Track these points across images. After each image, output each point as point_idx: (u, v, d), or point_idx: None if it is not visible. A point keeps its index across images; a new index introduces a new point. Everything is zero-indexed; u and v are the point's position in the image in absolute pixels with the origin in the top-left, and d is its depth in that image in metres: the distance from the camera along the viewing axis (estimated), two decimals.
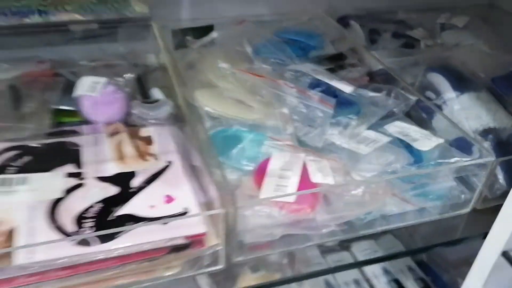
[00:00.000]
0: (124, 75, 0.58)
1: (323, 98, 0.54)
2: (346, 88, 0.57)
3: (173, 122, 0.57)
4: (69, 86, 0.61)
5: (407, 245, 0.86)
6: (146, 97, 0.61)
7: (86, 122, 0.57)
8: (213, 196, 0.44)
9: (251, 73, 0.61)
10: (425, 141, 0.52)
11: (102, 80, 0.56)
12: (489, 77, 0.65)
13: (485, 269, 0.48)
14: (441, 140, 0.52)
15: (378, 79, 0.66)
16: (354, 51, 0.72)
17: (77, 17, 0.68)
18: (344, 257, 0.82)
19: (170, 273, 0.42)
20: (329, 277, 0.80)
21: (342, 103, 0.55)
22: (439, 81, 0.64)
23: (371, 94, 0.58)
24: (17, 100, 0.57)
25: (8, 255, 0.36)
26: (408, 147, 0.52)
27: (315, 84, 0.58)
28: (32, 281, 0.37)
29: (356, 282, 0.79)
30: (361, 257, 0.82)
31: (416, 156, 0.50)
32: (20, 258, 0.36)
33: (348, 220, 0.49)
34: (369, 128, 0.55)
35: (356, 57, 0.71)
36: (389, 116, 0.58)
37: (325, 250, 0.85)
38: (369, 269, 0.80)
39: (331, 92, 0.57)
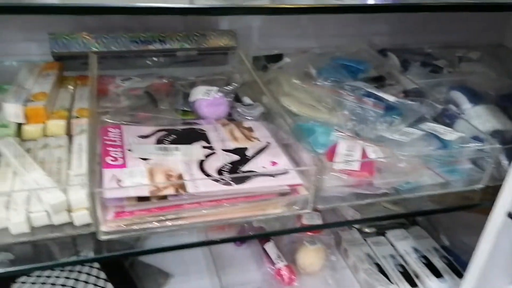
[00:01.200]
0: (228, 86, 0.80)
1: (375, 103, 0.75)
2: (390, 98, 0.79)
3: (262, 119, 0.79)
4: (183, 95, 0.84)
5: (431, 234, 1.04)
6: (240, 102, 0.83)
7: (200, 118, 0.79)
8: (305, 161, 0.64)
9: (318, 87, 0.83)
10: (449, 134, 0.73)
11: (214, 88, 0.79)
12: (497, 95, 0.85)
13: (494, 229, 0.67)
14: (462, 134, 0.73)
15: (412, 95, 0.87)
16: (392, 74, 0.93)
17: (185, 45, 0.91)
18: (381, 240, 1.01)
19: (276, 211, 0.62)
20: (369, 251, 0.98)
21: (388, 108, 0.76)
22: (459, 96, 0.85)
23: (409, 102, 0.79)
24: (153, 101, 0.79)
25: (182, 187, 0.57)
26: (437, 138, 0.72)
27: (367, 95, 0.79)
28: (195, 206, 0.58)
29: (392, 256, 0.97)
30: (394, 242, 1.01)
31: (444, 144, 0.71)
32: (191, 188, 0.57)
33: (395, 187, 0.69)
34: (408, 126, 0.76)
35: (394, 79, 0.92)
36: (422, 120, 0.79)
37: (365, 236, 1.04)
38: (401, 247, 0.98)
39: (379, 100, 0.78)
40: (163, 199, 0.57)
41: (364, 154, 0.69)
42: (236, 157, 0.66)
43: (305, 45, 1.05)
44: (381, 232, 1.03)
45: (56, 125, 0.71)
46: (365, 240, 1.01)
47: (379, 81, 0.90)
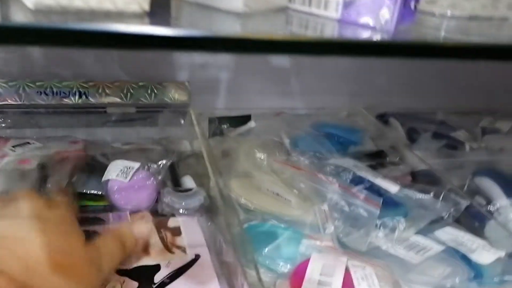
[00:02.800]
0: (159, 162, 0.55)
1: (369, 197, 0.50)
2: (392, 187, 0.53)
3: (204, 213, 0.53)
4: (99, 169, 0.60)
5: None
6: (177, 185, 0.58)
7: (111, 207, 0.54)
8: None
9: (289, 165, 0.59)
10: (483, 252, 0.47)
11: (135, 165, 0.54)
12: None
13: None
14: (501, 253, 0.47)
15: (422, 180, 0.62)
16: (394, 149, 0.69)
17: (117, 100, 0.68)
18: None
19: None
20: None
21: (388, 203, 0.51)
22: (489, 186, 0.60)
23: (419, 195, 0.54)
24: (43, 180, 0.55)
25: None
26: (465, 259, 0.46)
27: (357, 181, 0.54)
28: None
29: None
30: None
31: (476, 270, 0.45)
32: None
33: None
34: (418, 232, 0.50)
35: (397, 155, 0.68)
36: (437, 221, 0.53)
37: None
38: None
39: (375, 191, 0.53)
40: None
41: (347, 282, 0.43)
42: (134, 285, 0.40)
43: (284, 104, 0.81)
44: None
45: None
46: None
47: (377, 158, 0.65)
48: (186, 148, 0.70)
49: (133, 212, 0.52)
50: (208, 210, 0.54)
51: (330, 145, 0.63)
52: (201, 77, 0.76)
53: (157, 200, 0.55)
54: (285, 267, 0.46)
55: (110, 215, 0.51)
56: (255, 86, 0.81)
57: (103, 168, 0.58)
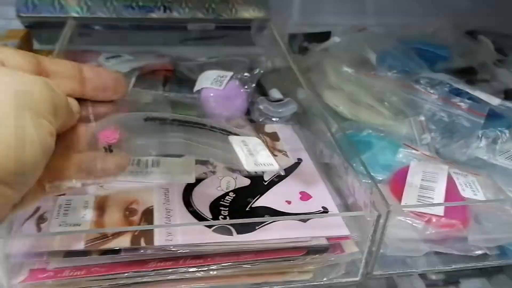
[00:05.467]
0: (250, 71, 0.56)
1: (473, 107, 0.49)
2: (493, 100, 0.52)
3: (294, 122, 0.54)
4: (186, 81, 0.61)
5: None
6: (266, 96, 0.59)
7: (203, 115, 0.55)
8: (357, 196, 0.39)
9: (380, 78, 0.57)
10: None
11: (228, 74, 0.55)
12: None
13: None
14: None
15: None
16: (485, 66, 0.66)
17: (199, 14, 0.68)
18: None
19: (303, 277, 0.38)
20: None
21: (489, 115, 0.50)
22: None
23: None
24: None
25: (148, 235, 0.34)
26: None
27: (455, 93, 0.53)
28: (165, 266, 0.35)
29: None
30: None
31: None
32: (161, 239, 0.34)
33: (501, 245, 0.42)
34: None
35: (488, 73, 0.65)
36: None
37: (430, 283, 0.77)
38: None
39: (476, 102, 0.51)
40: (113, 253, 0.33)
41: (451, 188, 0.43)
42: (246, 182, 0.42)
43: (361, 22, 0.78)
44: (452, 281, 0.76)
45: None
46: None
47: (467, 74, 0.63)
48: (267, 64, 0.70)
49: (229, 119, 0.53)
50: (299, 119, 0.54)
51: (420, 61, 0.61)
52: None
53: (248, 110, 0.56)
54: (383, 174, 0.47)
55: (209, 120, 0.52)
56: (330, 3, 0.78)
57: (190, 81, 0.60)
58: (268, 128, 0.51)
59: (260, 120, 0.53)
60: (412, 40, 0.67)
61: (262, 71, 0.56)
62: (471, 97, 0.52)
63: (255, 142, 0.34)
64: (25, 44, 0.61)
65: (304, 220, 0.37)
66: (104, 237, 0.33)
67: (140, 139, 0.32)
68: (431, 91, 0.52)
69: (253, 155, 0.33)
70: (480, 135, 0.48)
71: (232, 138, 0.34)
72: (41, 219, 0.34)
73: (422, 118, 0.51)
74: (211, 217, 0.37)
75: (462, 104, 0.49)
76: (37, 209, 0.35)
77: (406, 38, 0.68)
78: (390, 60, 0.61)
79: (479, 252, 0.41)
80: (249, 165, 0.32)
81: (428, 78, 0.56)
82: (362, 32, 0.69)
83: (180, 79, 0.62)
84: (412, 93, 0.53)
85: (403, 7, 0.78)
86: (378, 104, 0.54)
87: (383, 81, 0.57)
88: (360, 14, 0.78)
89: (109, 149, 0.32)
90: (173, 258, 0.35)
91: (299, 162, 0.45)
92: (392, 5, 0.80)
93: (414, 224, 0.41)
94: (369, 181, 0.39)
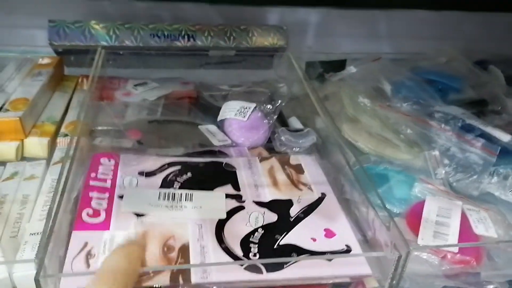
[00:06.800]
0: (272, 102, 0.58)
1: (486, 145, 0.52)
2: (504, 136, 0.54)
3: (315, 152, 0.57)
4: (209, 108, 0.64)
5: None
6: (284, 125, 0.62)
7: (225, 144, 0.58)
8: (378, 234, 0.42)
9: (394, 110, 0.60)
10: None
11: (252, 105, 0.57)
12: None
13: None
14: None
15: None
16: (495, 98, 0.68)
17: (221, 43, 0.71)
18: None
19: None
20: None
21: (501, 151, 0.52)
22: None
23: None
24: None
25: (186, 272, 0.37)
26: None
27: (467, 129, 0.55)
28: None
29: None
30: None
31: None
32: (197, 277, 0.37)
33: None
34: None
35: (499, 104, 0.67)
36: None
37: None
38: None
39: (486, 139, 0.54)
40: None
41: (465, 225, 0.46)
42: (273, 217, 0.45)
43: (374, 48, 0.81)
44: None
45: (36, 145, 0.53)
46: None
47: (478, 106, 0.65)
48: (284, 91, 0.73)
49: (250, 148, 0.56)
50: (318, 148, 0.57)
51: (433, 92, 0.64)
52: (291, 21, 0.77)
53: (270, 139, 0.59)
54: (399, 208, 0.49)
55: (231, 149, 0.55)
56: (344, 29, 0.81)
57: (214, 109, 0.62)
58: (293, 160, 0.53)
59: (282, 150, 0.56)
60: (426, 70, 0.70)
61: (283, 104, 0.59)
62: (483, 133, 0.55)
63: None
64: (57, 70, 0.64)
65: (329, 259, 0.40)
66: (147, 273, 0.36)
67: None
68: (445, 127, 0.55)
69: None
70: (492, 172, 0.51)
71: None
72: (89, 255, 0.37)
73: (437, 152, 0.54)
74: (241, 253, 0.40)
75: (475, 142, 0.52)
76: (85, 244, 0.38)
77: (420, 68, 0.70)
78: (404, 91, 0.64)
79: (491, 286, 0.44)
80: None
81: (442, 112, 0.58)
82: (377, 62, 0.71)
83: (204, 106, 0.65)
84: (427, 128, 0.56)
85: (416, 32, 0.81)
86: (394, 136, 0.57)
87: (398, 114, 0.60)
88: (373, 41, 0.81)
89: (138, 142, 0.51)
90: None
91: (323, 197, 0.48)
92: (405, 30, 0.83)
93: (430, 260, 0.44)
94: (387, 216, 0.42)
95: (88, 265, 0.36)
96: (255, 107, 0.58)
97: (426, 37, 0.77)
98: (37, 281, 0.32)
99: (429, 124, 0.56)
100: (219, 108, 0.61)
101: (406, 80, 0.66)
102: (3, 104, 0.54)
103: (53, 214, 0.37)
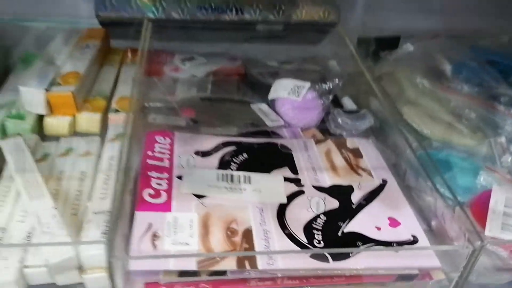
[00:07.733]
0: (326, 82, 0.56)
1: None
2: None
3: (371, 135, 0.54)
4: (259, 86, 0.62)
5: None
6: (337, 105, 0.59)
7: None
8: (448, 227, 0.40)
9: (455, 93, 0.57)
10: None
11: (306, 85, 0.55)
12: None
13: None
14: None
15: None
16: None
17: (270, 17, 0.68)
18: None
19: None
20: None
21: None
22: None
23: None
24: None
25: (252, 258, 0.36)
26: None
27: None
28: (265, 285, 0.37)
29: None
30: None
31: None
32: (263, 263, 0.36)
33: None
34: None
35: None
36: None
37: None
38: None
39: None
40: (220, 273, 0.36)
41: None
42: (335, 203, 0.43)
43: (429, 25, 0.77)
44: None
45: (88, 120, 0.52)
46: None
47: None
48: (334, 67, 0.70)
49: (303, 130, 0.54)
50: (374, 131, 0.55)
51: (496, 73, 0.60)
52: None
53: (322, 120, 0.57)
54: (463, 197, 0.47)
55: (284, 130, 0.53)
56: (398, 4, 0.77)
57: (261, 85, 0.61)
58: (350, 143, 0.51)
59: (337, 132, 0.54)
60: (487, 50, 0.66)
61: (338, 82, 0.56)
62: None
63: None
64: (104, 43, 0.63)
65: (396, 250, 0.39)
66: (213, 258, 0.36)
67: None
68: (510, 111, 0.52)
69: None
70: None
71: None
72: (155, 236, 0.37)
73: (503, 139, 0.51)
74: (305, 240, 0.39)
75: None
76: (149, 225, 0.37)
77: (481, 47, 0.67)
78: (465, 72, 0.61)
79: None
80: None
81: (508, 96, 0.55)
82: (436, 39, 0.68)
83: (252, 83, 0.63)
84: (491, 112, 0.53)
85: (474, 7, 0.76)
86: (456, 121, 0.54)
87: (460, 96, 0.57)
88: (429, 16, 0.76)
89: (192, 120, 0.51)
90: (271, 278, 0.37)
91: (384, 183, 0.46)
92: (463, 4, 0.78)
93: (498, 252, 0.42)
94: (453, 206, 0.40)
95: (155, 247, 0.36)
96: (310, 87, 0.55)
97: (486, 13, 0.72)
98: (110, 262, 0.32)
99: (495, 108, 0.53)
100: (268, 86, 0.59)
101: (467, 60, 0.62)
102: (55, 78, 0.53)
103: (118, 194, 0.36)
